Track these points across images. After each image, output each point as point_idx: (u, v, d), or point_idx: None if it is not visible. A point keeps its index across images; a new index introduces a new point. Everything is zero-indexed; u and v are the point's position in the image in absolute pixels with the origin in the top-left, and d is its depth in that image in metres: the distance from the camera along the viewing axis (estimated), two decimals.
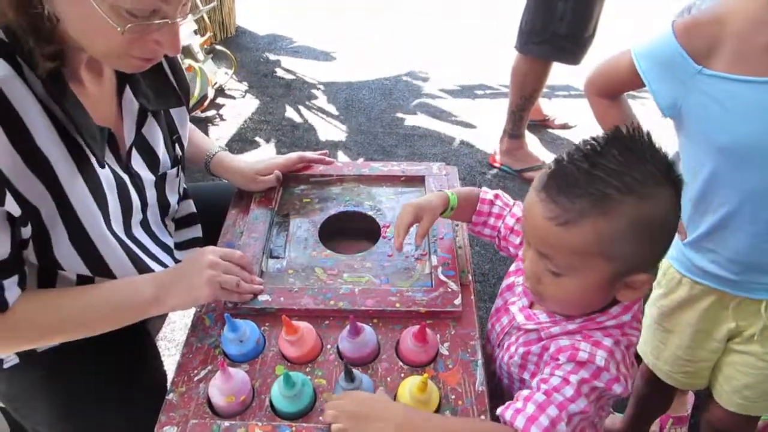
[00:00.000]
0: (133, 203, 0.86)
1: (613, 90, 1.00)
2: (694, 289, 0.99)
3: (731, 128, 0.82)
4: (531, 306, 0.80)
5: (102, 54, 0.73)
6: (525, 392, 0.70)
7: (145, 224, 0.92)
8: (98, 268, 0.82)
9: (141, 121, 0.88)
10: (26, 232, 0.74)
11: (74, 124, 0.73)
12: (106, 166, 0.80)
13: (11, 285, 0.74)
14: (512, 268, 0.89)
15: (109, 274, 0.83)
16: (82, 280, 0.84)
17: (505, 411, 0.69)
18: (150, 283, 0.83)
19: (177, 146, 0.98)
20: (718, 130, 0.84)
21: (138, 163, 0.89)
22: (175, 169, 0.97)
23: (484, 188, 0.96)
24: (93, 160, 0.77)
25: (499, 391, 0.86)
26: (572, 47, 2.03)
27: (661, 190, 0.63)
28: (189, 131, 1.09)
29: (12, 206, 0.69)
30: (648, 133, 0.66)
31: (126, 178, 0.85)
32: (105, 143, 0.80)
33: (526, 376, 0.79)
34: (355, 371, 0.74)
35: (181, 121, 0.99)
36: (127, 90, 0.86)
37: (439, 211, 0.91)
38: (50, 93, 0.71)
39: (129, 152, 0.87)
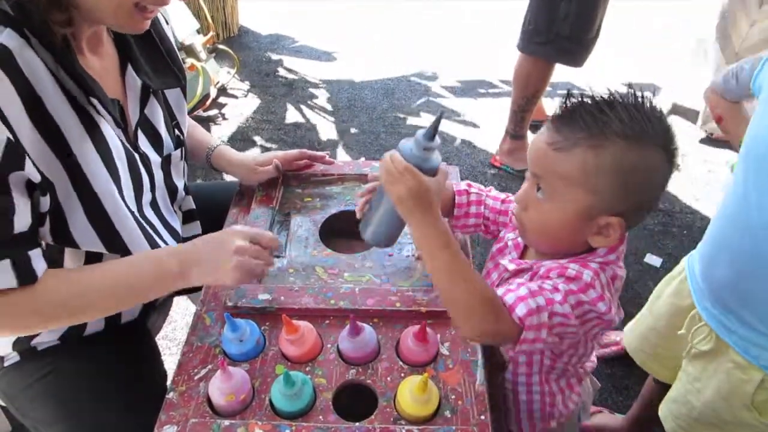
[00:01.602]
0: (143, 181, 0.87)
1: None
2: (682, 284, 1.00)
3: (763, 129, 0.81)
4: (521, 257, 0.84)
5: (110, 12, 0.73)
6: (520, 280, 0.75)
7: (155, 206, 0.93)
8: (113, 245, 0.82)
9: (144, 100, 0.90)
10: (45, 204, 0.74)
11: (86, 90, 0.74)
12: (117, 139, 0.81)
13: (37, 257, 0.74)
14: (501, 234, 0.92)
15: (125, 251, 0.83)
16: (90, 261, 0.84)
17: (502, 292, 0.72)
18: (174, 258, 0.82)
19: (177, 131, 0.99)
20: (755, 126, 0.83)
21: (144, 143, 0.90)
22: (178, 151, 0.98)
23: (452, 181, 0.96)
24: (102, 128, 0.78)
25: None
26: (575, 48, 2.02)
27: (652, 149, 0.69)
28: (190, 128, 1.09)
29: (32, 171, 0.70)
30: (661, 110, 0.71)
31: (135, 156, 0.86)
32: (117, 114, 0.81)
33: None
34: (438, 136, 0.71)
35: (179, 106, 1.00)
36: (129, 68, 0.87)
37: None
38: (61, 63, 0.72)
39: (135, 131, 0.88)
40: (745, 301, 0.84)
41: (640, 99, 0.70)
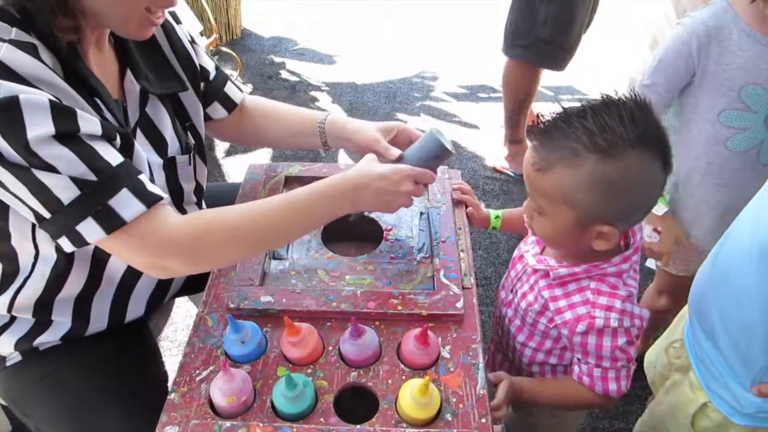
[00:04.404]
0: None
1: None
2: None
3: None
4: (542, 252, 0.90)
5: (121, 18, 0.75)
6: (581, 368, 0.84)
7: None
8: None
9: (143, 102, 0.89)
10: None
11: (90, 91, 0.75)
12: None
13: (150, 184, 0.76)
14: None
15: None
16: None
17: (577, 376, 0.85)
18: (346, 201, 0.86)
19: (190, 134, 0.98)
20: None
21: (144, 146, 0.88)
22: (186, 157, 0.95)
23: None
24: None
25: (503, 333, 1.00)
26: (557, 52, 2.03)
27: (630, 152, 0.68)
28: (287, 115, 1.12)
29: (88, 125, 0.71)
30: (644, 101, 0.70)
31: None
32: (122, 114, 0.82)
33: (543, 320, 0.88)
34: None
35: (193, 107, 0.99)
36: (128, 73, 0.87)
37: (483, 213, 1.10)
38: (65, 65, 0.73)
39: (133, 133, 0.87)
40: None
41: (612, 102, 0.69)
